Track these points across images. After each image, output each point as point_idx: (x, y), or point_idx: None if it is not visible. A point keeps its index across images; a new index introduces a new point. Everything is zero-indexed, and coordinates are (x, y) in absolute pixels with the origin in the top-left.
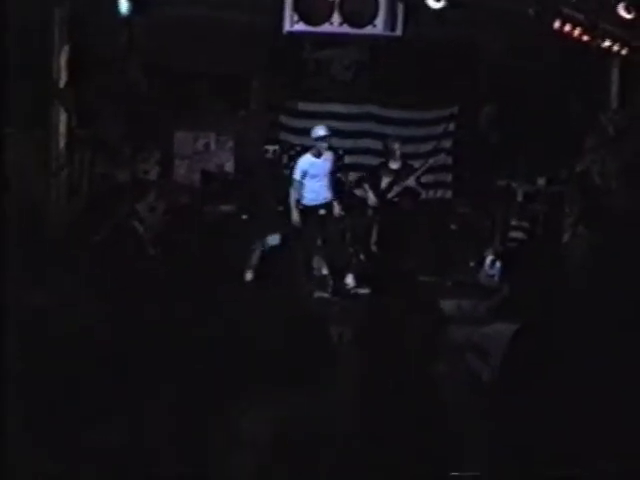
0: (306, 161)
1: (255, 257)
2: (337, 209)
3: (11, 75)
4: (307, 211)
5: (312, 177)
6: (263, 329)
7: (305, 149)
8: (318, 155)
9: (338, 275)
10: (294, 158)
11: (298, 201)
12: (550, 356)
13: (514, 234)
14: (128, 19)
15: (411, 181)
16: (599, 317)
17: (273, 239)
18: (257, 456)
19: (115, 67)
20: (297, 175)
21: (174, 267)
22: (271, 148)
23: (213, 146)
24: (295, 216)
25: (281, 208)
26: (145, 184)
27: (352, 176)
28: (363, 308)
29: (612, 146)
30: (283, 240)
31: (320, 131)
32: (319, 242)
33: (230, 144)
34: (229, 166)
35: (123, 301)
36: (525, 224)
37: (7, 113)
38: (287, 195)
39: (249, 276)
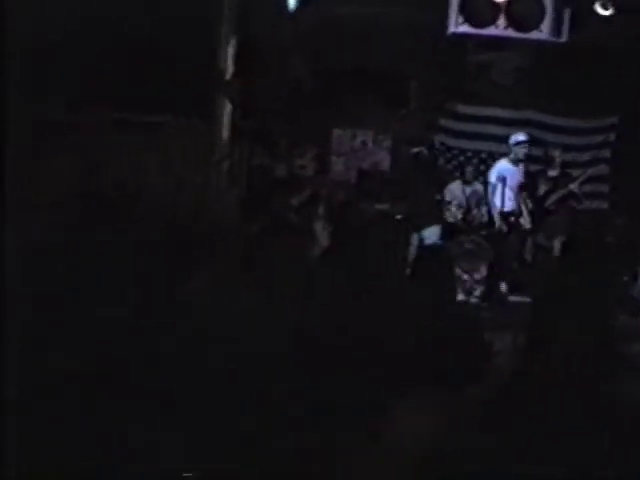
0: (502, 167)
1: (412, 253)
2: (526, 221)
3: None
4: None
5: (506, 184)
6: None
7: (462, 151)
8: (516, 162)
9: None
10: (451, 161)
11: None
12: None
13: None
14: (295, 14)
15: (575, 186)
16: None
17: (431, 234)
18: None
19: (280, 62)
20: (492, 178)
21: (330, 264)
22: (415, 149)
23: (370, 144)
24: (497, 222)
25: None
26: (301, 179)
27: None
28: (518, 316)
29: None
30: (442, 237)
31: (520, 137)
32: (470, 246)
33: (387, 143)
34: (385, 165)
35: (279, 298)
36: None
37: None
38: (442, 197)
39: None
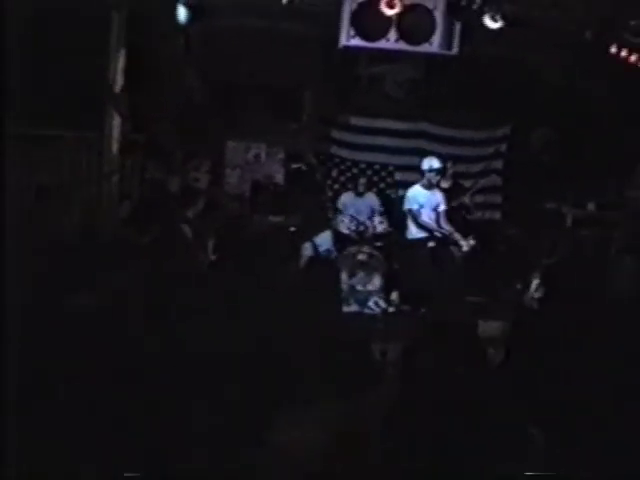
0: (417, 193)
1: (304, 263)
2: (465, 242)
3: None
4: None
5: (424, 209)
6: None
7: (355, 163)
8: (429, 187)
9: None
10: (345, 172)
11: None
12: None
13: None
14: (186, 26)
15: (466, 199)
16: None
17: (323, 241)
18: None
19: (171, 74)
20: (414, 205)
21: (221, 273)
22: (295, 165)
23: (264, 157)
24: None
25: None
26: (195, 192)
27: (402, 192)
28: (406, 325)
29: None
30: (334, 244)
31: (434, 163)
32: (363, 257)
33: (281, 155)
34: (279, 177)
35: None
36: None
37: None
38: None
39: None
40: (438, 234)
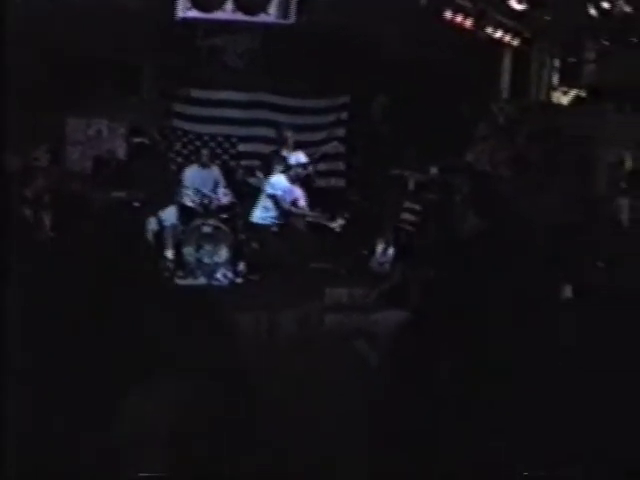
0: (281, 180)
1: (150, 238)
2: (335, 226)
3: None
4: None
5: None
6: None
7: (198, 136)
8: (295, 181)
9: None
10: (187, 145)
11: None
12: (439, 343)
13: (406, 216)
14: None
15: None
16: (490, 303)
17: (168, 216)
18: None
19: (4, 50)
20: (277, 191)
21: (65, 252)
22: (138, 139)
23: (105, 132)
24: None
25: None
26: (34, 170)
27: (244, 163)
28: (252, 295)
29: (502, 135)
30: (180, 219)
31: (302, 158)
32: (208, 230)
33: (122, 130)
34: (121, 152)
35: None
36: (417, 207)
37: None
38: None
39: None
40: (310, 219)
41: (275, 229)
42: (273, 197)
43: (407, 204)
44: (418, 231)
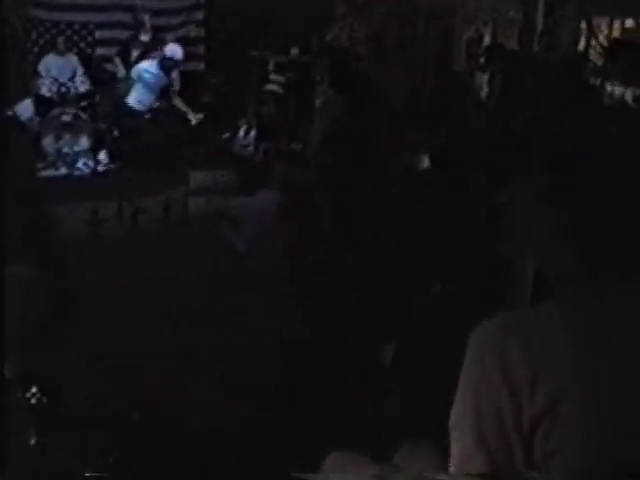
0: (149, 67)
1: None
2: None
3: None
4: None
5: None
6: None
7: (55, 24)
8: (165, 70)
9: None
10: (44, 34)
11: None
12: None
13: (271, 87)
14: None
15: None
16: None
17: (24, 110)
18: None
19: None
20: (148, 77)
21: None
22: None
23: None
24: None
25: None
26: None
27: (102, 50)
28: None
29: (360, 14)
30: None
31: (178, 54)
32: (68, 119)
33: None
34: None
35: None
36: (281, 79)
37: None
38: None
39: None
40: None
41: (143, 115)
42: (143, 82)
43: (272, 76)
44: (280, 108)
